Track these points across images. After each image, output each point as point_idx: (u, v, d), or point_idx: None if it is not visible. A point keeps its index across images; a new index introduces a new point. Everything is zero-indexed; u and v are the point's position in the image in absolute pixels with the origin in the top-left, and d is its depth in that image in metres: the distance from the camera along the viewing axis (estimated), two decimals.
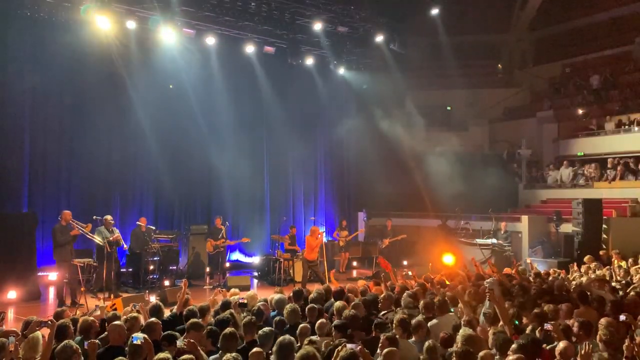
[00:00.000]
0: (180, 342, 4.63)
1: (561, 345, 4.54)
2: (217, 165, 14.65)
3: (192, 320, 5.37)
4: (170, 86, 14.08)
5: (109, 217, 10.79)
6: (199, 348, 4.55)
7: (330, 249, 14.68)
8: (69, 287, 9.90)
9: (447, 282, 8.61)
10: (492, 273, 9.49)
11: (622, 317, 5.28)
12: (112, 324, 5.13)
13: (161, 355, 4.19)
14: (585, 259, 11.04)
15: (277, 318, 5.88)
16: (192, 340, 4.59)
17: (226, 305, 6.43)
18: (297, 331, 5.32)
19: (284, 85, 15.59)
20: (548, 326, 5.05)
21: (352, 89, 17.05)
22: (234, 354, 4.28)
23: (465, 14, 17.97)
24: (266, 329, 5.08)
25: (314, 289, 8.61)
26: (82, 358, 4.41)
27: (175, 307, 6.70)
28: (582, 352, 4.13)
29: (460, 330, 4.96)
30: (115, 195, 13.46)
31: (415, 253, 14.87)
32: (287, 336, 4.58)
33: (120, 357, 4.34)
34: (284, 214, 15.91)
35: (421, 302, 6.29)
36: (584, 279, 9.16)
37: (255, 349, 4.49)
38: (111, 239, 10.26)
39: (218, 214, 14.01)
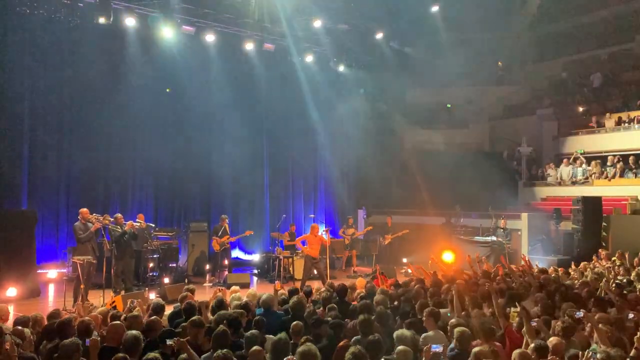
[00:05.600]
0: (170, 341, 4.53)
1: (552, 340, 4.57)
2: (216, 162, 14.65)
3: (194, 318, 5.34)
4: (168, 90, 14.10)
5: (119, 215, 10.82)
6: (189, 347, 4.48)
7: (335, 247, 14.64)
8: (71, 284, 9.91)
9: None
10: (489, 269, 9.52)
11: (631, 315, 5.26)
12: (112, 324, 5.11)
13: (150, 355, 4.15)
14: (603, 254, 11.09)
15: (258, 318, 5.73)
16: (182, 340, 4.55)
17: (220, 304, 6.40)
18: (290, 329, 5.26)
19: (284, 82, 15.57)
20: (533, 323, 5.07)
21: (352, 87, 17.02)
22: (224, 350, 4.24)
23: (466, 11, 17.90)
24: (254, 330, 4.97)
25: (315, 285, 8.66)
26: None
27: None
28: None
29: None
30: (115, 192, 13.47)
31: (415, 251, 14.85)
32: (283, 334, 4.58)
33: (119, 354, 4.27)
34: (284, 212, 15.91)
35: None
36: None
37: (255, 347, 4.48)
38: (125, 229, 10.37)
39: (217, 212, 14.03)
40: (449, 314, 5.63)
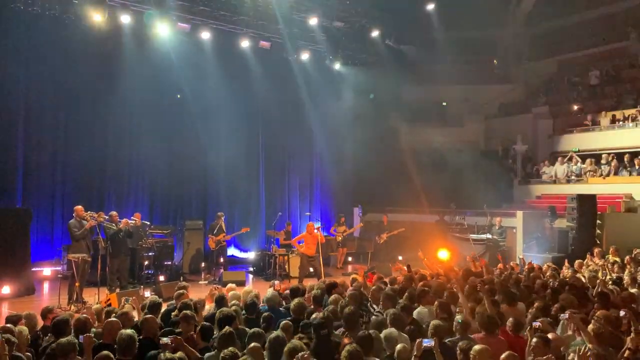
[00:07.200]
0: (165, 339, 4.50)
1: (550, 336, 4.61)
2: (212, 160, 14.63)
3: (185, 312, 5.34)
4: (178, 96, 14.10)
5: (114, 212, 10.76)
6: (186, 345, 4.47)
7: (327, 245, 14.59)
8: (66, 282, 9.87)
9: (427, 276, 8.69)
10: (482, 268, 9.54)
11: (622, 313, 5.29)
12: (107, 321, 5.10)
13: (168, 355, 4.17)
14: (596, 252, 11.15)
15: (267, 314, 5.78)
16: (178, 337, 4.55)
17: (220, 301, 6.40)
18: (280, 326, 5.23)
19: (280, 80, 15.55)
20: (536, 324, 5.06)
21: (348, 84, 17.02)
22: (231, 349, 4.25)
23: (461, 9, 17.92)
24: (255, 329, 4.93)
25: (309, 284, 8.65)
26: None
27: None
28: (580, 354, 4.14)
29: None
30: (110, 190, 13.43)
31: (411, 248, 14.86)
32: (279, 332, 4.59)
33: (105, 352, 4.25)
34: (280, 209, 15.88)
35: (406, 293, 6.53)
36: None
37: (253, 344, 4.48)
38: (120, 226, 10.27)
39: (213, 210, 14.02)
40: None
